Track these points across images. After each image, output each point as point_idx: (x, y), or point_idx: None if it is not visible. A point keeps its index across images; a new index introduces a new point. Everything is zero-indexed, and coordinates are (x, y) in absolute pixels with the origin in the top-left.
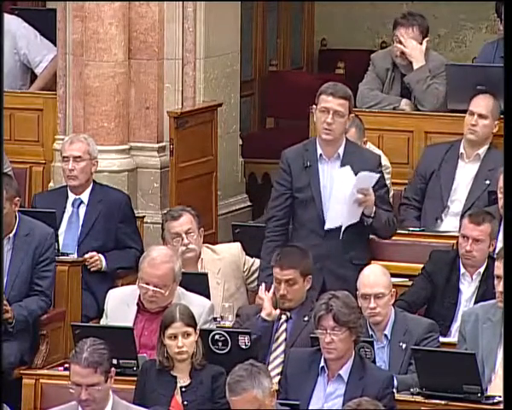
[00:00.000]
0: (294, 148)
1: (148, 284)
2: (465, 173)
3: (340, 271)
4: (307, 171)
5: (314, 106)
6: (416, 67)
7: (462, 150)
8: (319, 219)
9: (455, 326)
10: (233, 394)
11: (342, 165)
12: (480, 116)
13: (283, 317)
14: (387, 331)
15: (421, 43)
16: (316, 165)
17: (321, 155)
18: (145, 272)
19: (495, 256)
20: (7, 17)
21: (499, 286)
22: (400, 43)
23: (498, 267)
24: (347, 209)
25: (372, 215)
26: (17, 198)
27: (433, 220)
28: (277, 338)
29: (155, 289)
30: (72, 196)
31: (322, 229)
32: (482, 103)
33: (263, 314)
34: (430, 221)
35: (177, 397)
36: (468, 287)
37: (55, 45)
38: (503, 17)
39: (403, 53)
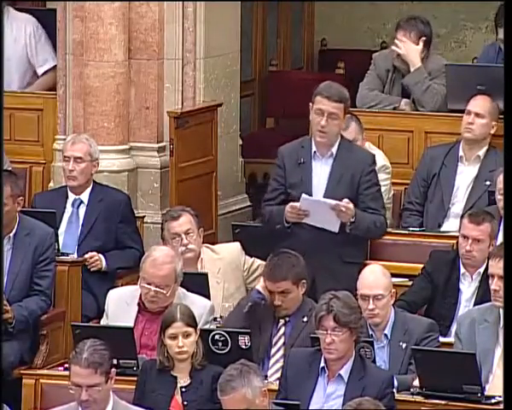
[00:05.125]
0: (290, 144)
1: (149, 284)
2: (465, 176)
3: (331, 267)
4: (301, 167)
5: (311, 104)
6: (412, 69)
7: (461, 153)
8: None
9: (455, 326)
10: (223, 393)
11: (335, 163)
12: (477, 115)
13: (281, 320)
14: (387, 331)
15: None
16: (309, 162)
17: (315, 152)
18: (147, 272)
19: None
20: (23, 15)
21: (493, 284)
22: (396, 45)
23: (492, 266)
24: (324, 215)
25: (349, 224)
26: (21, 198)
27: (435, 226)
28: (276, 342)
29: (157, 289)
30: (72, 196)
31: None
32: (479, 103)
33: (258, 286)
34: (432, 226)
35: (177, 397)
36: (468, 287)
37: (55, 45)
38: (504, 17)
39: (399, 55)
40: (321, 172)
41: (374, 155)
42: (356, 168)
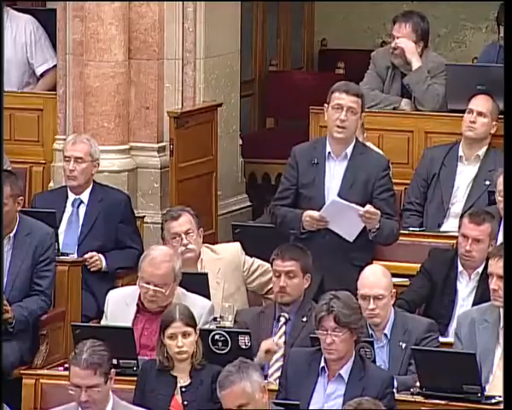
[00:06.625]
0: (304, 144)
1: (148, 283)
2: (465, 176)
3: (340, 270)
4: (314, 168)
5: (326, 104)
6: (414, 67)
7: (461, 153)
8: None
9: (453, 325)
10: (222, 388)
11: (349, 165)
12: (480, 114)
13: (282, 319)
14: (387, 331)
15: (415, 42)
16: (323, 163)
17: (329, 153)
18: (145, 271)
19: None
20: (23, 15)
21: (492, 284)
22: (397, 39)
23: (491, 265)
24: (348, 221)
25: (374, 230)
26: (21, 198)
27: (435, 226)
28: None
29: (156, 288)
30: (72, 196)
31: (324, 227)
32: (481, 102)
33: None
34: (432, 226)
35: (177, 397)
36: (465, 286)
37: (55, 45)
38: (504, 18)
39: (395, 49)
40: (334, 173)
41: (388, 160)
42: (370, 172)
